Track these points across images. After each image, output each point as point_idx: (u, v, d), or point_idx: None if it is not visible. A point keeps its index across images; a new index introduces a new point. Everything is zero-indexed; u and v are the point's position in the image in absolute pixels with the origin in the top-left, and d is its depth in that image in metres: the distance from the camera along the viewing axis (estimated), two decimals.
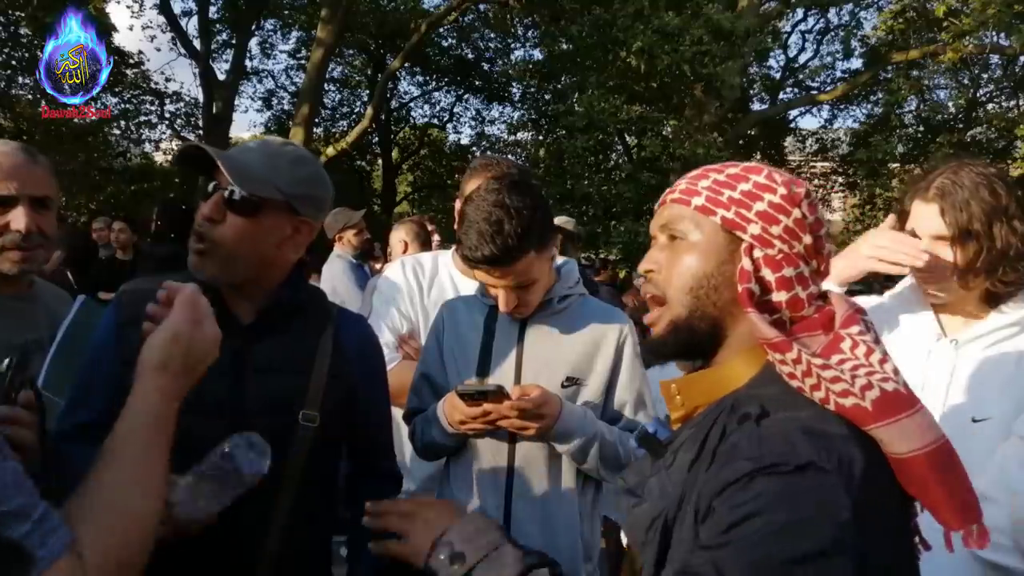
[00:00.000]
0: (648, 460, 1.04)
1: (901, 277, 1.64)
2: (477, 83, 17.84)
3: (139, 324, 1.08)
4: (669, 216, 1.01)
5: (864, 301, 1.71)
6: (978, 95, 16.03)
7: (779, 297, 0.94)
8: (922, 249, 1.43)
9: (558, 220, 4.52)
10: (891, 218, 1.56)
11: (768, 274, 0.94)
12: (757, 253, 0.94)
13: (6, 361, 1.11)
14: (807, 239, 0.95)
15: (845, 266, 1.56)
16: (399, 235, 4.33)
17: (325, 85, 15.99)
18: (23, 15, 11.35)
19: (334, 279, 4.48)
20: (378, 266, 5.50)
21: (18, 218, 1.46)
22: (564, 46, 12.54)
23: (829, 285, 1.54)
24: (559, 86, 13.73)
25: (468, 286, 2.15)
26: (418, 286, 2.21)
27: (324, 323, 1.45)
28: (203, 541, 1.25)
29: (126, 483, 0.89)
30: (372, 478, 1.60)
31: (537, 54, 15.55)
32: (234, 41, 16.18)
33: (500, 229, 1.53)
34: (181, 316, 1.02)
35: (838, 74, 15.72)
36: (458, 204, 2.16)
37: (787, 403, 0.87)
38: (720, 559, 0.75)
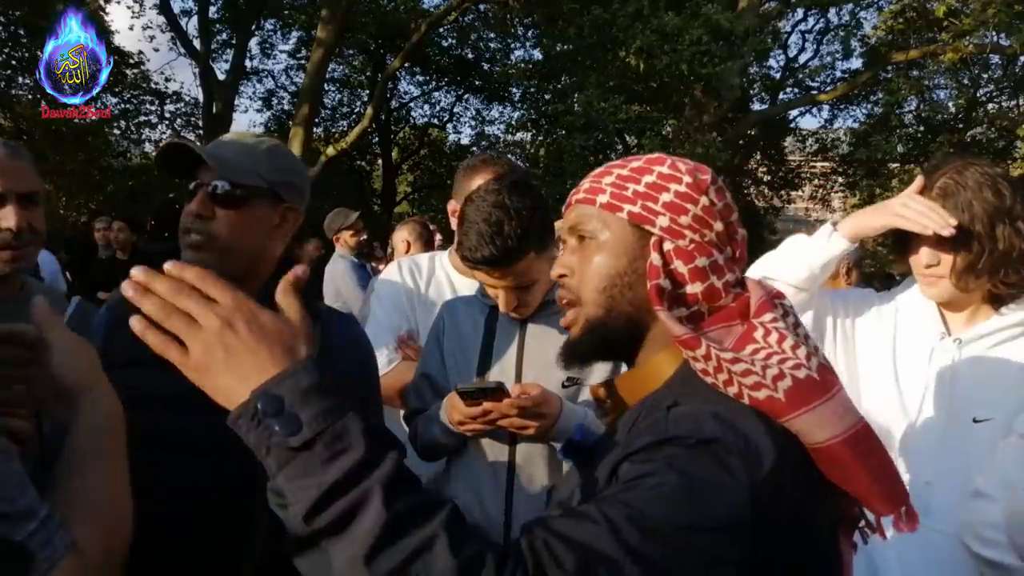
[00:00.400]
0: (574, 471, 1.01)
1: (897, 281, 1.63)
2: (477, 83, 17.84)
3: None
4: (576, 217, 0.99)
5: (865, 296, 1.71)
6: (978, 95, 16.03)
7: (694, 289, 0.92)
8: (951, 224, 1.38)
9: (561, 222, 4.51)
10: (919, 181, 1.51)
11: (680, 266, 0.92)
12: (667, 245, 0.92)
13: None
14: (718, 226, 0.94)
15: (869, 219, 1.52)
16: (402, 235, 4.33)
17: (325, 85, 15.99)
18: (22, 14, 11.33)
19: (336, 280, 4.48)
20: (380, 266, 5.51)
21: (8, 216, 1.45)
22: (563, 47, 12.54)
23: (840, 241, 1.54)
24: (559, 86, 13.73)
25: (466, 286, 2.15)
26: (415, 287, 2.20)
27: (311, 321, 1.43)
28: (187, 544, 1.24)
29: (112, 484, 0.91)
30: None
31: (537, 54, 15.55)
32: (234, 41, 16.17)
33: (500, 230, 1.54)
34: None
35: (838, 74, 15.72)
36: (452, 204, 2.17)
37: (702, 397, 0.85)
38: (608, 508, 0.74)
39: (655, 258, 0.91)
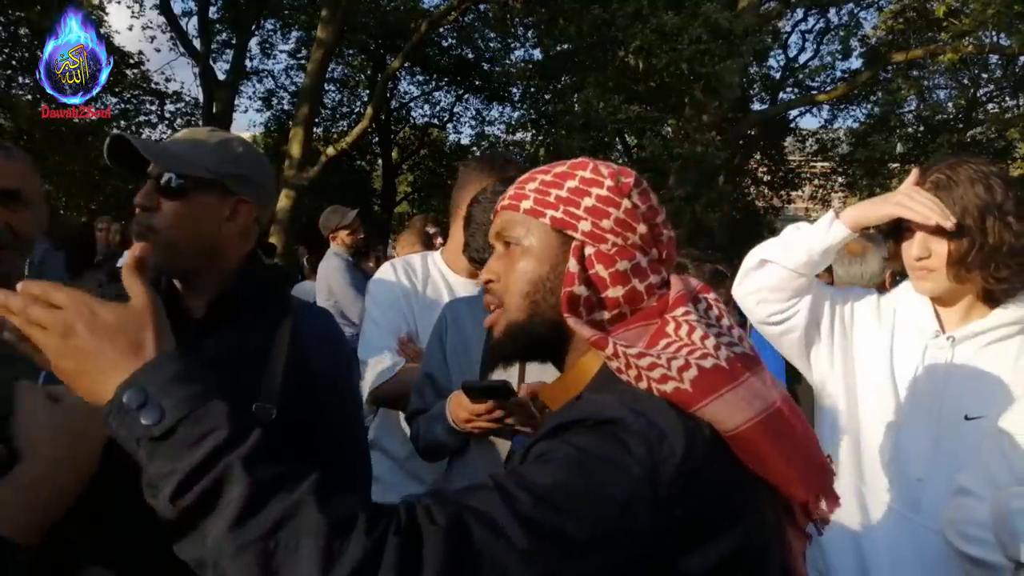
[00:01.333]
0: None
1: (897, 281, 1.64)
2: (477, 83, 17.84)
3: None
4: (502, 223, 1.00)
5: (865, 294, 1.71)
6: (978, 95, 16.03)
7: (615, 293, 0.92)
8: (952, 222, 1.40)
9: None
10: (915, 172, 1.53)
11: (601, 270, 0.92)
12: (589, 250, 0.92)
13: None
14: (642, 228, 0.94)
15: (872, 209, 1.53)
16: (410, 240, 4.37)
17: (325, 85, 15.98)
18: (22, 15, 11.34)
19: (328, 277, 4.48)
20: (371, 264, 5.51)
21: None
22: (563, 46, 12.54)
23: (841, 229, 1.54)
24: (558, 86, 13.73)
25: (461, 284, 2.15)
26: (412, 287, 2.20)
27: (282, 316, 1.42)
28: (160, 538, 1.24)
29: None
30: (329, 472, 1.60)
31: (537, 54, 15.56)
32: (234, 41, 16.18)
33: None
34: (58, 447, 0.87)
35: (838, 74, 15.73)
36: (455, 206, 2.17)
37: (611, 388, 0.85)
38: (502, 478, 0.75)
39: (572, 264, 0.92)
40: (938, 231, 1.43)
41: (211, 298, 1.36)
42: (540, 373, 1.68)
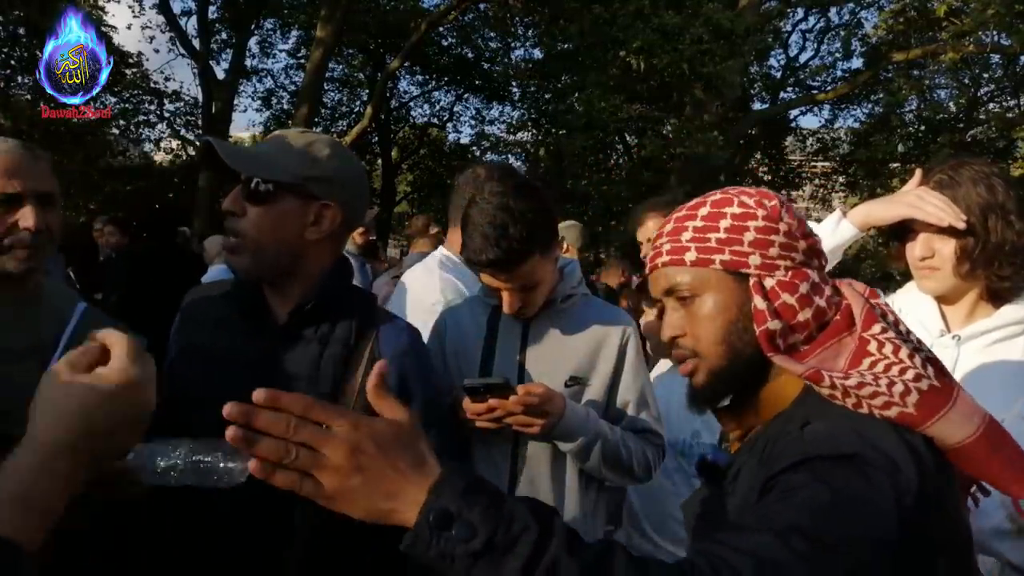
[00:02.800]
0: (704, 490, 1.05)
1: (898, 281, 1.64)
2: (477, 83, 17.83)
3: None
4: (669, 281, 1.00)
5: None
6: (978, 95, 16.02)
7: (805, 316, 0.93)
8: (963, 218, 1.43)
9: (564, 224, 4.55)
10: (918, 174, 1.55)
11: (787, 298, 0.93)
12: (768, 282, 0.94)
13: None
14: (802, 244, 0.96)
15: (881, 209, 1.55)
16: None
17: (325, 85, 15.97)
18: (20, 13, 11.32)
19: None
20: (385, 266, 5.49)
21: (26, 216, 1.43)
22: (563, 46, 12.53)
23: (848, 228, 1.59)
24: (559, 85, 13.73)
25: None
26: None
27: (366, 331, 1.38)
28: (229, 552, 1.25)
29: None
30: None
31: (537, 53, 15.55)
32: (233, 41, 16.17)
33: (505, 233, 1.54)
34: (120, 378, 0.80)
35: (838, 74, 15.72)
36: (456, 209, 2.17)
37: (831, 413, 0.87)
38: (768, 520, 0.76)
39: (759, 301, 0.93)
40: (942, 230, 1.44)
41: (293, 305, 1.36)
42: (540, 374, 1.70)
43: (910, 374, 0.86)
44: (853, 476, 0.78)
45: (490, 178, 1.93)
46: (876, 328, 0.91)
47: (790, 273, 0.94)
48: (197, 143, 16.07)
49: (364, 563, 1.30)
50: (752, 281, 0.94)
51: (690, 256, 0.97)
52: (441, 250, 2.35)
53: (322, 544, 1.31)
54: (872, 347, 0.90)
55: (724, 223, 0.96)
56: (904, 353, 0.88)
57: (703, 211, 0.98)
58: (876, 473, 0.77)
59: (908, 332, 0.94)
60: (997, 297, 1.48)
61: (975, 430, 0.86)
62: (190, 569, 1.29)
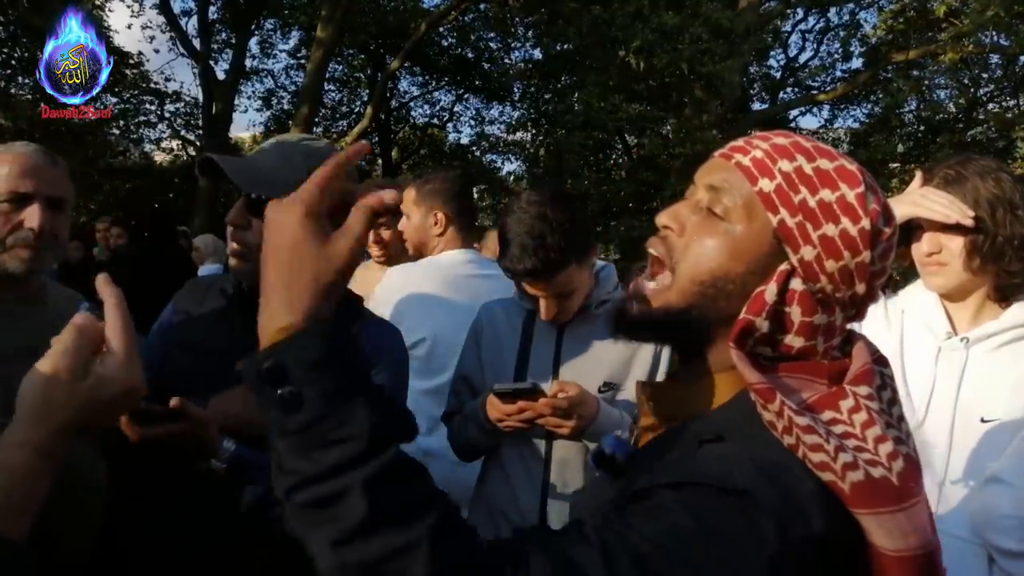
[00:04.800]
0: (603, 483, 0.94)
1: (898, 281, 1.63)
2: (477, 83, 17.82)
3: None
4: (724, 181, 0.80)
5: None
6: (978, 95, 16.02)
7: (793, 342, 0.77)
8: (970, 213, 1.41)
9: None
10: (919, 176, 1.55)
11: (796, 313, 0.76)
12: (796, 284, 0.76)
13: None
14: (860, 288, 0.77)
15: None
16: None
17: (325, 85, 15.97)
18: (13, 15, 11.32)
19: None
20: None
21: (32, 216, 1.45)
22: (563, 46, 12.53)
23: None
24: (558, 85, 13.73)
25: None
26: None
27: (348, 326, 1.42)
28: (202, 543, 1.26)
29: None
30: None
31: (537, 53, 15.55)
32: (234, 41, 16.16)
33: (543, 243, 1.57)
34: (74, 348, 0.78)
35: (838, 74, 15.73)
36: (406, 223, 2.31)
37: (751, 437, 0.73)
38: (610, 535, 0.67)
39: (771, 291, 0.76)
40: (949, 226, 1.44)
41: None
42: (574, 378, 1.69)
43: (864, 455, 0.70)
44: (734, 515, 0.65)
45: (527, 191, 1.98)
46: (862, 389, 0.74)
47: (820, 296, 0.76)
48: (197, 143, 16.07)
49: None
50: (783, 267, 0.76)
51: (766, 184, 0.77)
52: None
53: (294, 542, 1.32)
54: (844, 404, 0.73)
55: (826, 194, 0.75)
56: (872, 432, 0.71)
57: (823, 163, 0.77)
58: (762, 518, 0.65)
59: (899, 419, 0.77)
60: (1004, 295, 1.47)
61: (906, 549, 0.69)
62: (161, 564, 1.30)
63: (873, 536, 0.69)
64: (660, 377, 1.74)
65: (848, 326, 0.83)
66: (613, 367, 1.74)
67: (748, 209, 0.78)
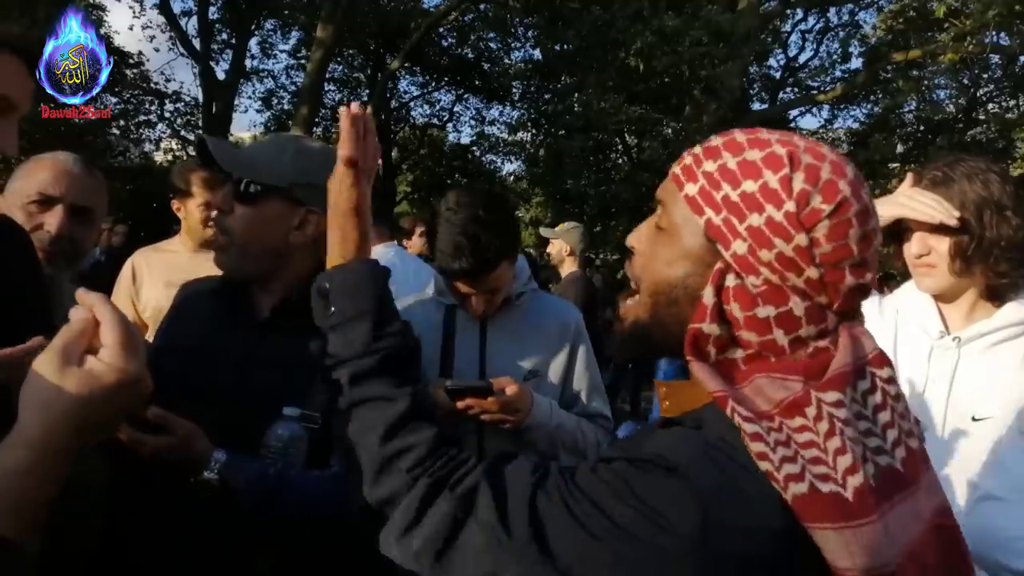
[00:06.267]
0: None
1: (897, 280, 1.63)
2: (477, 83, 17.82)
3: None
4: (664, 194, 0.83)
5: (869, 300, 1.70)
6: (978, 95, 16.02)
7: (749, 336, 0.75)
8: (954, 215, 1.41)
9: (565, 226, 4.57)
10: (910, 177, 1.55)
11: (736, 309, 0.75)
12: (731, 280, 0.75)
13: None
14: (811, 272, 0.73)
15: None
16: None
17: (325, 85, 15.97)
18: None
19: None
20: None
21: (53, 220, 1.48)
22: (563, 47, 12.53)
23: None
24: (558, 86, 13.72)
25: None
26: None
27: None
28: (201, 542, 1.26)
29: None
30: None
31: (537, 54, 15.54)
32: (234, 41, 16.16)
33: (477, 243, 1.61)
34: (63, 342, 0.75)
35: (838, 74, 15.73)
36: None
37: (720, 431, 0.73)
38: (553, 472, 0.77)
39: (707, 294, 0.75)
40: (938, 227, 1.44)
41: (275, 302, 1.40)
42: (500, 371, 1.72)
43: (818, 468, 0.67)
44: (666, 492, 0.68)
45: (457, 192, 2.00)
46: (830, 396, 0.70)
47: (763, 288, 0.74)
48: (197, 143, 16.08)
49: (336, 562, 1.34)
50: (718, 266, 0.75)
51: (691, 189, 0.78)
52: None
53: (295, 540, 1.33)
54: (810, 411, 0.70)
55: (748, 185, 0.74)
56: (832, 444, 0.68)
57: (751, 155, 0.76)
58: (688, 499, 0.67)
59: (886, 426, 0.72)
60: (996, 295, 1.47)
61: (865, 566, 0.65)
62: (164, 563, 1.31)
63: (829, 553, 0.67)
64: (579, 359, 1.83)
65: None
66: (535, 355, 1.79)
67: (682, 215, 0.79)
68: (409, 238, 4.81)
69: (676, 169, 0.82)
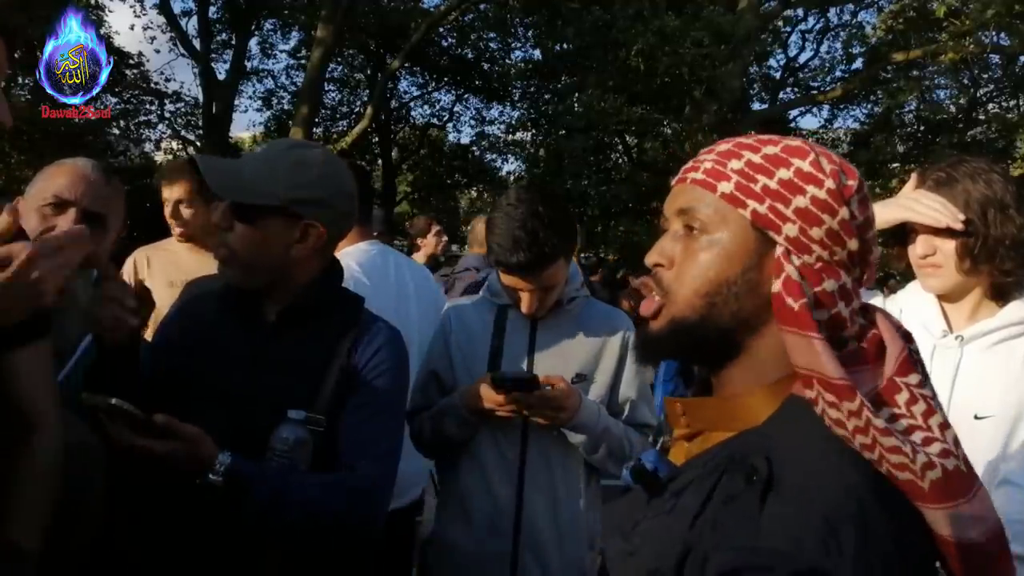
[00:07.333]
0: (639, 499, 0.88)
1: (896, 280, 1.63)
2: (477, 83, 17.83)
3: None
4: (689, 201, 0.83)
5: (869, 297, 1.71)
6: (978, 95, 16.03)
7: (819, 316, 0.76)
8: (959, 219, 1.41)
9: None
10: (914, 178, 1.55)
11: (808, 287, 0.77)
12: (795, 260, 0.77)
13: None
14: (852, 244, 0.78)
15: (879, 212, 1.50)
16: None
17: (325, 85, 15.98)
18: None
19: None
20: None
21: (64, 223, 1.49)
22: (563, 47, 12.53)
23: None
24: (559, 86, 13.73)
25: None
26: None
27: (347, 331, 1.42)
28: (208, 543, 1.26)
29: None
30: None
31: (537, 54, 15.55)
32: (234, 41, 16.17)
33: (536, 238, 1.62)
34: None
35: (838, 74, 15.74)
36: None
37: (807, 460, 0.70)
38: None
39: (792, 272, 0.76)
40: (943, 229, 1.44)
41: (282, 307, 1.40)
42: (548, 371, 1.73)
43: (935, 447, 0.70)
44: None
45: (516, 189, 2.01)
46: (912, 378, 0.74)
47: (820, 264, 0.77)
48: (197, 143, 16.08)
49: (340, 563, 1.36)
50: (780, 250, 0.77)
51: (725, 187, 0.80)
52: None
53: (297, 548, 1.33)
54: (900, 398, 0.73)
55: (783, 173, 0.78)
56: (935, 420, 0.72)
57: (769, 149, 0.80)
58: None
59: (934, 397, 0.77)
60: (1001, 294, 1.48)
61: (976, 536, 0.70)
62: (170, 566, 1.31)
63: (940, 527, 0.70)
64: (628, 367, 1.82)
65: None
66: (584, 360, 1.80)
67: (720, 215, 0.80)
68: (424, 237, 4.82)
69: (697, 175, 0.83)
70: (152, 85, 16.21)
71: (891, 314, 0.82)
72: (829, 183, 0.78)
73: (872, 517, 0.66)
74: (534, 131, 15.17)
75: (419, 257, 4.90)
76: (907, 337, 0.79)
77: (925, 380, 0.76)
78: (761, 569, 0.64)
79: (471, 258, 4.17)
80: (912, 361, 0.76)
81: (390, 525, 1.55)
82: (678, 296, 0.81)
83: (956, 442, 0.71)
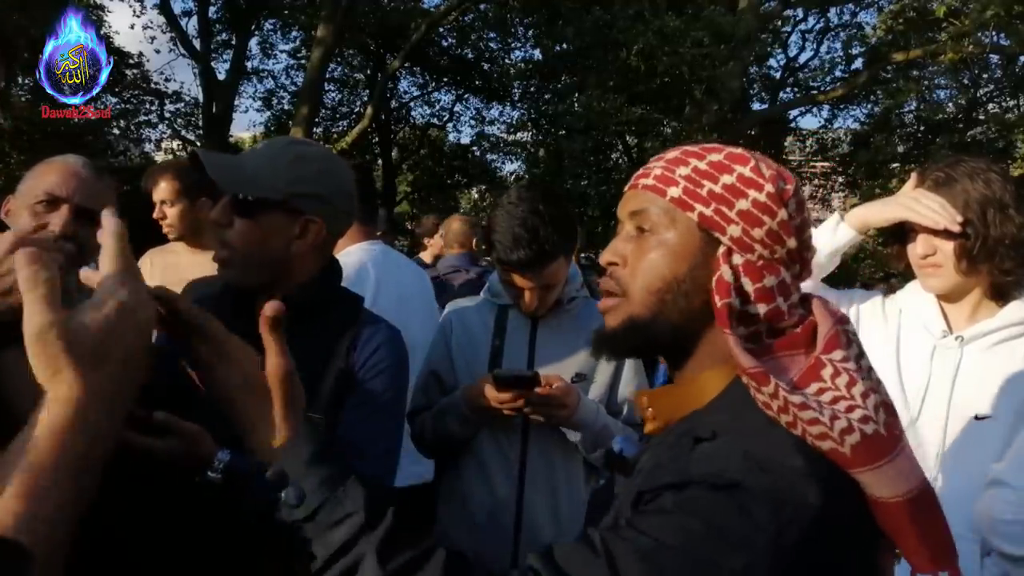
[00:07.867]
0: (612, 482, 0.98)
1: (896, 280, 1.64)
2: (477, 83, 17.82)
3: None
4: (640, 204, 0.90)
5: (870, 297, 1.71)
6: (978, 95, 16.03)
7: (758, 309, 0.84)
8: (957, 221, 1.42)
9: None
10: (913, 178, 1.56)
11: (747, 284, 0.84)
12: (736, 259, 0.84)
13: None
14: (791, 243, 0.85)
15: (878, 211, 1.56)
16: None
17: (325, 85, 15.97)
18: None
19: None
20: None
21: (57, 220, 1.48)
22: (563, 47, 12.53)
23: (847, 231, 1.59)
24: (559, 86, 13.72)
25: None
26: None
27: (346, 330, 1.42)
28: (207, 541, 1.26)
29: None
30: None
31: (537, 54, 15.55)
32: (234, 41, 16.17)
33: (536, 235, 1.64)
34: (123, 277, 0.72)
35: (838, 74, 15.74)
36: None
37: (741, 428, 0.79)
38: (615, 543, 0.72)
39: (726, 272, 0.84)
40: (941, 231, 1.44)
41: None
42: (548, 370, 1.75)
43: (857, 413, 0.76)
44: (729, 508, 0.70)
45: (518, 187, 2.01)
46: (837, 354, 0.81)
47: (762, 262, 0.84)
48: (198, 143, 16.07)
49: None
50: (722, 250, 0.85)
51: (674, 191, 0.87)
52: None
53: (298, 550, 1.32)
54: (825, 372, 0.80)
55: (727, 179, 0.85)
56: (857, 390, 0.78)
57: (714, 157, 0.88)
58: (756, 503, 0.70)
59: (869, 369, 0.84)
60: (1001, 294, 1.48)
61: (904, 492, 0.76)
62: (168, 565, 1.31)
63: (872, 489, 0.76)
64: (627, 368, 1.85)
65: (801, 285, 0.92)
66: (584, 359, 1.83)
67: (670, 217, 0.87)
68: (431, 236, 4.81)
69: (647, 181, 0.90)
70: (152, 85, 16.21)
71: (828, 300, 0.89)
72: (769, 187, 0.85)
73: (792, 460, 0.74)
74: (534, 131, 15.17)
75: (426, 256, 4.90)
76: (841, 320, 0.86)
77: (853, 355, 0.82)
78: (692, 483, 0.73)
79: (453, 258, 4.12)
80: (840, 339, 0.83)
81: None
82: (633, 293, 0.88)
83: (880, 407, 0.78)
